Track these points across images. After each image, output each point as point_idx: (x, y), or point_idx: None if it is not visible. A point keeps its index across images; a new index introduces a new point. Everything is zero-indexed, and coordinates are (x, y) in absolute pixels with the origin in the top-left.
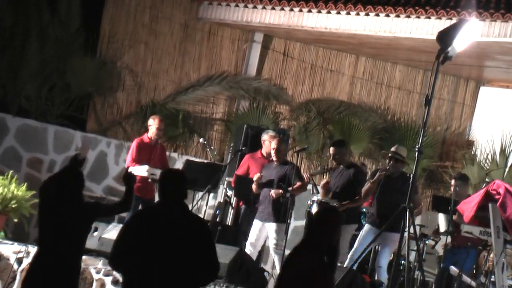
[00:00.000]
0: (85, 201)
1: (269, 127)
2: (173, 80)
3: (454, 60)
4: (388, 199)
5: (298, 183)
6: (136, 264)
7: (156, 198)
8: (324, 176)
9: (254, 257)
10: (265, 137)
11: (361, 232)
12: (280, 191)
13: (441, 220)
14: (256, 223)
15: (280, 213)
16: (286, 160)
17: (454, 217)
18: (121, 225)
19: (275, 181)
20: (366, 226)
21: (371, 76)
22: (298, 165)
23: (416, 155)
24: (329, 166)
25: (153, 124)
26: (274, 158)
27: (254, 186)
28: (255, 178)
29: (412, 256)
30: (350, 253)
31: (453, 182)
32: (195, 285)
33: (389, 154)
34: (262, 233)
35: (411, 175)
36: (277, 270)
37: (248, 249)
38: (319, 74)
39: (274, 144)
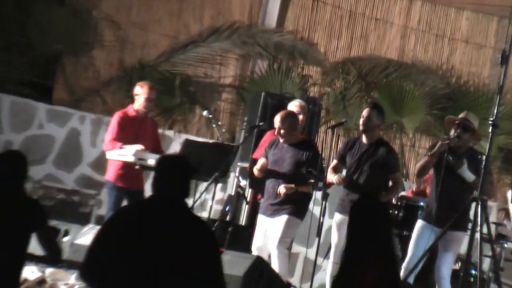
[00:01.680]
0: (27, 196)
1: (295, 95)
2: (168, 33)
3: None
4: (450, 183)
5: (309, 181)
6: (115, 279)
7: (148, 192)
8: None
9: None
10: (292, 108)
11: (414, 232)
12: (292, 186)
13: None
14: (261, 220)
15: (298, 205)
16: (305, 139)
17: None
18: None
19: (287, 168)
20: (419, 223)
21: (429, 26)
22: (334, 144)
23: (490, 129)
24: None
25: (141, 92)
26: (281, 139)
27: (256, 171)
28: (257, 166)
29: (486, 263)
30: (405, 263)
31: None
32: None
33: (456, 121)
34: (268, 232)
35: (483, 156)
36: (277, 268)
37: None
38: (360, 24)
39: (277, 121)
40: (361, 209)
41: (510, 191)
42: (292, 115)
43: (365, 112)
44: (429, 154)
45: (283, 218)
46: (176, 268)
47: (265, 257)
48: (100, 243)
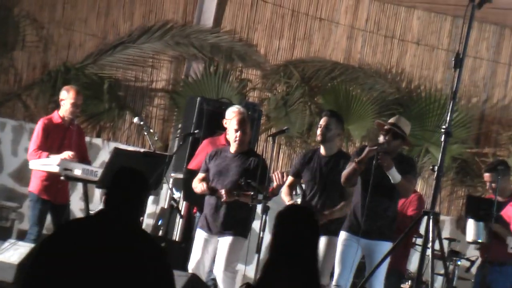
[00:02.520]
0: None
1: (233, 100)
2: (95, 33)
3: (496, 2)
4: (377, 191)
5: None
6: None
7: (75, 205)
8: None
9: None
10: (230, 115)
11: (338, 246)
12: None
13: (470, 226)
14: (200, 235)
15: (242, 223)
16: (250, 149)
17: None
18: (21, 244)
19: (234, 177)
20: (343, 235)
21: (378, 26)
22: (275, 154)
23: (442, 138)
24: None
25: (66, 97)
26: (235, 144)
27: (201, 187)
28: (197, 183)
29: (438, 282)
30: (333, 281)
31: (487, 175)
32: None
33: (385, 126)
34: (208, 247)
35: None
36: None
37: (193, 269)
38: (304, 24)
39: (235, 122)
40: (286, 220)
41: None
42: (256, 121)
43: (322, 121)
44: (356, 160)
45: (227, 240)
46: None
47: (202, 275)
48: (38, 262)
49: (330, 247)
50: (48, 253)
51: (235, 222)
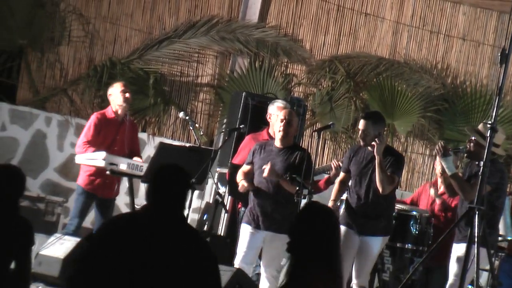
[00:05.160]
0: (21, 215)
1: (277, 95)
2: (141, 28)
3: None
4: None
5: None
6: None
7: (120, 200)
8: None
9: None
10: (272, 109)
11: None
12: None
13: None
14: (246, 229)
15: (287, 219)
16: (295, 143)
17: None
18: (67, 238)
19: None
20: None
21: (423, 22)
22: (320, 149)
23: (488, 133)
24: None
25: (114, 91)
26: (279, 136)
27: (243, 184)
28: (240, 176)
29: (484, 278)
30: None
31: None
32: None
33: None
34: (255, 243)
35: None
36: None
37: (238, 264)
38: (349, 19)
39: (283, 114)
40: (307, 215)
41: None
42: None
43: (360, 125)
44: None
45: (278, 238)
46: (173, 282)
47: (247, 269)
48: (90, 252)
49: (380, 248)
50: (99, 248)
51: (281, 218)
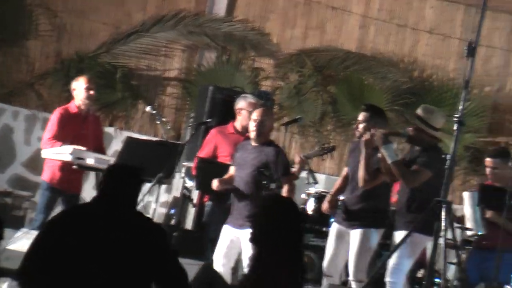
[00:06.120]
0: None
1: (245, 89)
2: (108, 22)
3: None
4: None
5: (285, 187)
6: (56, 285)
7: (87, 195)
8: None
9: (227, 276)
10: (241, 104)
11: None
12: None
13: (468, 213)
14: (227, 230)
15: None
16: (269, 139)
17: (489, 214)
18: (34, 233)
19: (248, 170)
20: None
21: (391, 15)
22: (287, 143)
23: (455, 127)
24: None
25: (78, 86)
26: (253, 136)
27: (216, 183)
28: (215, 183)
29: (451, 271)
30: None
31: (488, 160)
32: None
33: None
34: (235, 243)
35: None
36: None
37: (218, 264)
38: (316, 13)
39: (256, 114)
40: (268, 207)
41: (466, 192)
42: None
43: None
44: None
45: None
46: (126, 269)
47: (229, 266)
48: (40, 245)
49: (365, 240)
50: (47, 237)
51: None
